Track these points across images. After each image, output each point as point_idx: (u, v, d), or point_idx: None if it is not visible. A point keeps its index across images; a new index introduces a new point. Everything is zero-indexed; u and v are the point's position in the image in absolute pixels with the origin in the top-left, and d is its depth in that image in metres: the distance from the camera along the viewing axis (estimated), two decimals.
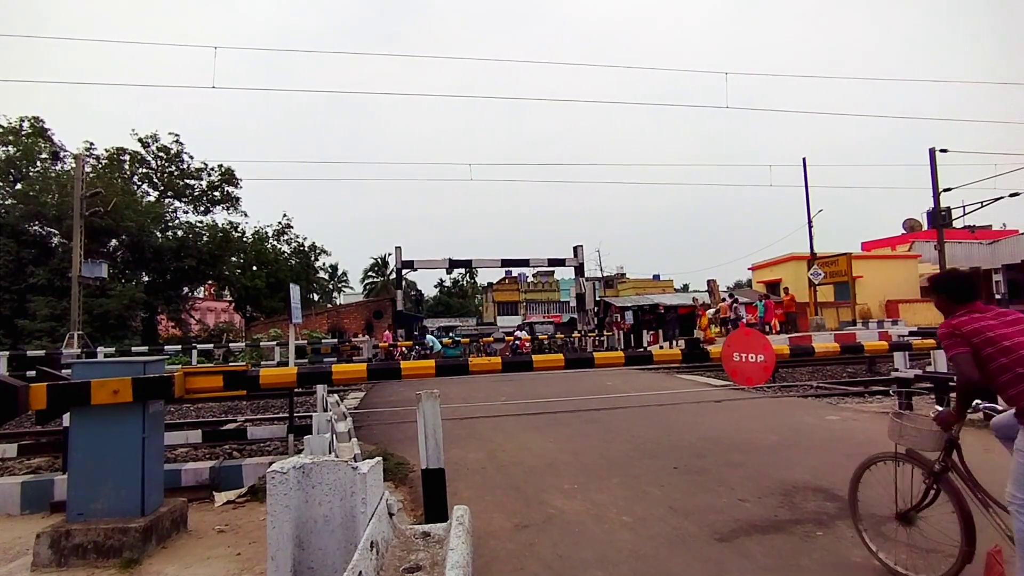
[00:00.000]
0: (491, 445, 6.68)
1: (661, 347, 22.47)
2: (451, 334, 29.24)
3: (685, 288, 53.76)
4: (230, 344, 19.87)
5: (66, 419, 4.69)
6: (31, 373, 9.68)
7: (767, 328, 20.30)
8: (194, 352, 16.77)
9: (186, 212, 29.76)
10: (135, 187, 27.99)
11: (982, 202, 22.45)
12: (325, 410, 5.93)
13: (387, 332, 26.13)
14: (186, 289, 29.51)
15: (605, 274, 51.95)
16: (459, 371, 4.68)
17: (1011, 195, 21.05)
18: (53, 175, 24.60)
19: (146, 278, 27.07)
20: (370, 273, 63.21)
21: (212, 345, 19.61)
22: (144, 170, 28.73)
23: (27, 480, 5.04)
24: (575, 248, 27.94)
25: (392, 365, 8.23)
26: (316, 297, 52.32)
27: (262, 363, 15.99)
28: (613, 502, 4.51)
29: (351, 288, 63.87)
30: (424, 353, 20.89)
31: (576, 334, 27.79)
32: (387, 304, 32.17)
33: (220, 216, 30.22)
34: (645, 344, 26.81)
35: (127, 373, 3.85)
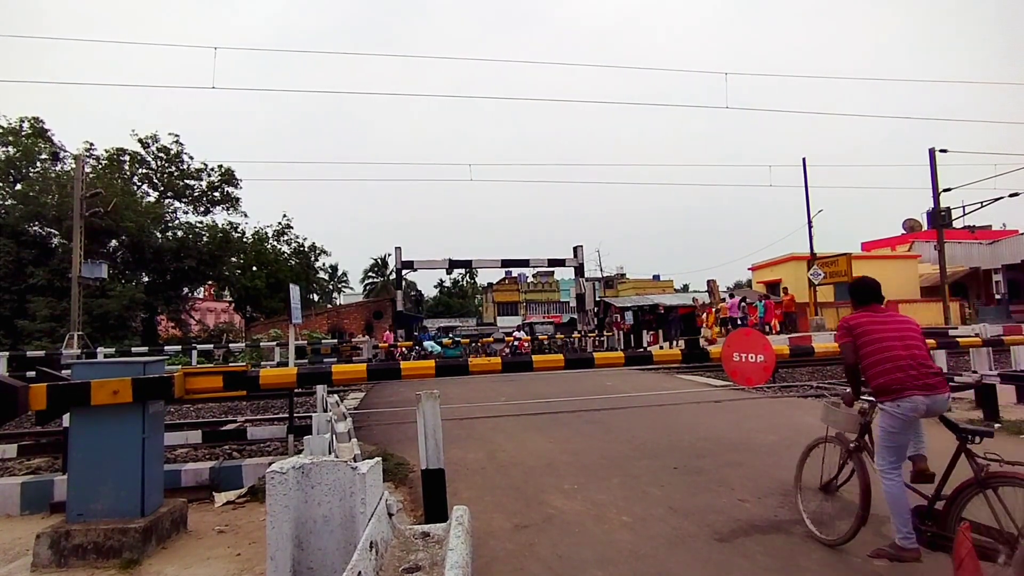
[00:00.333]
0: (491, 445, 6.68)
1: (661, 347, 22.47)
2: (451, 334, 29.25)
3: (685, 288, 53.76)
4: (230, 344, 19.85)
5: (66, 419, 4.69)
6: (31, 373, 9.68)
7: (767, 328, 20.30)
8: (194, 352, 16.77)
9: (186, 212, 29.76)
10: (135, 187, 27.97)
11: (982, 202, 22.48)
12: (325, 410, 5.93)
13: (387, 332, 26.10)
14: (186, 289, 29.49)
15: (605, 274, 51.95)
16: (459, 371, 4.68)
17: (1011, 195, 21.06)
18: (53, 176, 24.58)
19: (146, 278, 27.06)
20: (370, 273, 63.28)
21: (212, 345, 19.60)
22: (144, 170, 28.71)
23: (27, 480, 5.04)
24: (575, 248, 27.95)
25: (392, 365, 8.23)
26: (316, 297, 52.33)
27: (262, 363, 15.99)
28: (613, 502, 4.51)
29: (351, 288, 63.93)
30: (423, 355, 20.89)
31: (576, 334, 27.81)
32: (387, 304, 32.18)
33: (220, 216, 30.22)
34: (645, 344, 26.81)
35: (127, 373, 3.85)
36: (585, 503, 4.54)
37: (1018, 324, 17.03)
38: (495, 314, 58.80)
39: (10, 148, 24.81)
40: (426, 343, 21.74)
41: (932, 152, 22.19)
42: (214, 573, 3.60)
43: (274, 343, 18.44)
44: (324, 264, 43.93)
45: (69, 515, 3.84)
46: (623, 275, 59.45)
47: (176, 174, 29.11)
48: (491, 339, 28.31)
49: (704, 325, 22.60)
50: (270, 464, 2.30)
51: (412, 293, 56.40)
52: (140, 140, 27.95)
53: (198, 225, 28.70)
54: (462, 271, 56.92)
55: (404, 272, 28.53)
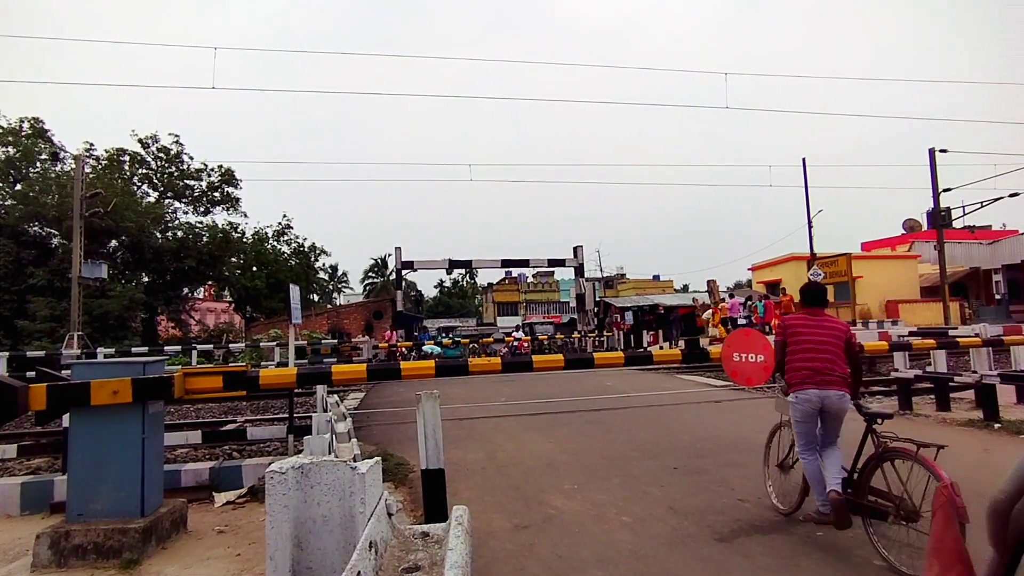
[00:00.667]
0: (491, 445, 6.68)
1: (661, 347, 22.47)
2: (451, 335, 29.24)
3: (685, 288, 53.73)
4: (230, 345, 19.84)
5: (66, 420, 4.68)
6: (31, 374, 9.68)
7: (767, 328, 20.30)
8: (194, 353, 16.76)
9: (186, 213, 29.75)
10: (135, 188, 27.96)
11: (982, 202, 22.48)
12: (325, 410, 5.93)
13: (389, 332, 25.97)
14: (186, 290, 29.49)
15: (605, 274, 51.92)
16: (459, 372, 4.68)
17: (1011, 195, 21.06)
18: (53, 176, 24.57)
19: (146, 279, 27.05)
20: (370, 274, 63.26)
21: (212, 346, 19.59)
22: (144, 171, 28.70)
23: (27, 481, 5.04)
24: (575, 248, 27.94)
25: (392, 366, 8.24)
26: (316, 298, 52.30)
27: (262, 364, 15.99)
28: (613, 502, 4.51)
29: (351, 289, 63.94)
30: (423, 356, 20.86)
31: (576, 334, 27.82)
32: (387, 304, 32.16)
33: (220, 217, 30.20)
34: (645, 344, 26.81)
35: (127, 374, 3.85)
36: (585, 503, 4.54)
37: (1018, 324, 17.03)
38: (495, 314, 58.78)
39: (10, 148, 24.81)
40: (424, 347, 21.57)
41: (932, 152, 22.20)
42: (214, 573, 3.60)
43: (274, 343, 18.43)
44: (324, 264, 43.90)
45: (69, 515, 3.84)
46: (623, 275, 59.44)
47: (176, 174, 29.11)
48: (491, 339, 28.31)
49: (711, 324, 22.57)
50: (270, 464, 2.30)
51: (412, 293, 56.41)
52: (140, 140, 27.97)
53: (198, 225, 28.72)
54: (462, 271, 56.89)
55: (404, 272, 28.51)
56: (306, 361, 14.49)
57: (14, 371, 12.48)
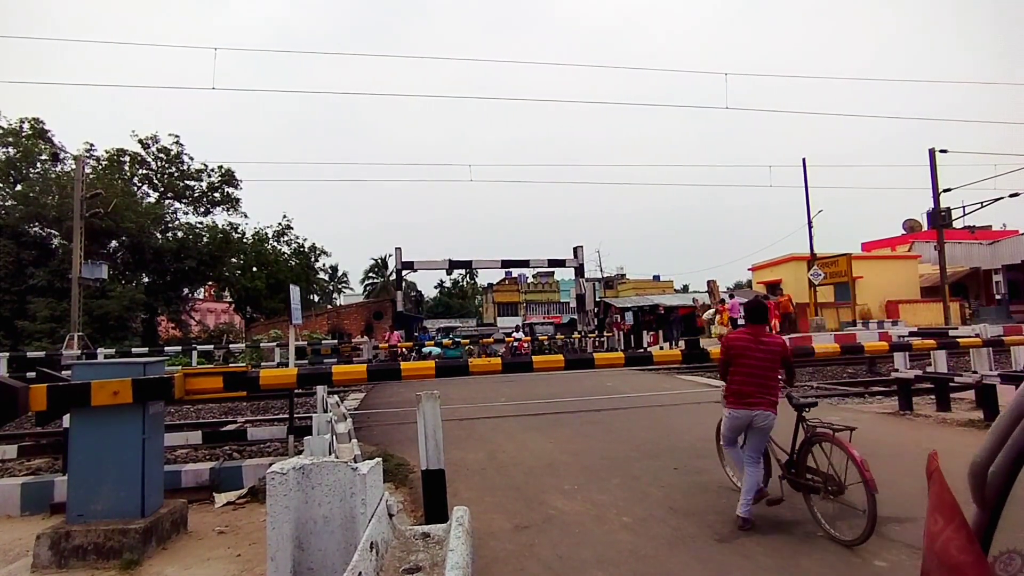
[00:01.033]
0: (491, 446, 6.68)
1: (661, 348, 22.46)
2: (451, 335, 29.21)
3: (685, 289, 53.71)
4: (230, 345, 19.85)
5: (66, 420, 4.69)
6: (31, 374, 9.69)
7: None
8: (194, 353, 16.77)
9: (186, 213, 29.76)
10: (135, 188, 27.97)
11: (982, 202, 22.48)
12: (325, 411, 5.93)
13: (391, 333, 25.77)
14: (186, 290, 29.48)
15: (605, 275, 51.84)
16: (459, 372, 4.68)
17: (1011, 195, 21.06)
18: (53, 176, 24.57)
19: (146, 279, 27.05)
20: (370, 274, 63.24)
21: (212, 346, 19.59)
22: (144, 171, 28.70)
23: (27, 481, 5.04)
24: (575, 249, 27.92)
25: (392, 366, 8.23)
26: (316, 298, 52.29)
27: (262, 364, 16.00)
28: (613, 503, 4.51)
29: (351, 289, 63.90)
30: (423, 356, 20.83)
31: (576, 335, 27.79)
32: (387, 305, 32.14)
33: (220, 217, 30.20)
34: (645, 345, 26.80)
35: (127, 374, 3.85)
36: (585, 503, 4.54)
37: (1018, 324, 17.03)
38: (495, 315, 58.77)
39: (10, 149, 24.81)
40: (425, 347, 21.54)
41: (932, 152, 22.20)
42: (214, 574, 3.60)
43: (274, 344, 18.44)
44: (324, 265, 43.80)
45: (69, 516, 3.84)
46: (623, 275, 59.43)
47: (176, 175, 29.12)
48: (491, 340, 28.29)
49: (718, 323, 22.53)
50: (270, 465, 2.30)
51: (412, 294, 56.38)
52: (140, 141, 27.98)
53: (198, 226, 28.73)
54: (462, 272, 56.81)
55: (404, 273, 28.48)
56: (306, 362, 14.50)
57: (14, 372, 12.49)
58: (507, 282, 61.34)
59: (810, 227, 24.33)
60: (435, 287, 70.24)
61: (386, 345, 20.64)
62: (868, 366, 13.71)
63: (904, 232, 36.07)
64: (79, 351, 16.11)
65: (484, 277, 67.30)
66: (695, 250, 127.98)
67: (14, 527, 4.52)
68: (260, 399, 11.58)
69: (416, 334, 27.17)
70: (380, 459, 2.53)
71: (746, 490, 3.92)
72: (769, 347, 4.07)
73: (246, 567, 3.65)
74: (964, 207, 23.46)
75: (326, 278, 52.61)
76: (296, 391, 7.25)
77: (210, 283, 32.67)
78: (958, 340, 7.25)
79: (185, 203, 29.67)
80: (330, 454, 3.75)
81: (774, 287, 27.38)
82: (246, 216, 31.25)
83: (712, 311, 23.38)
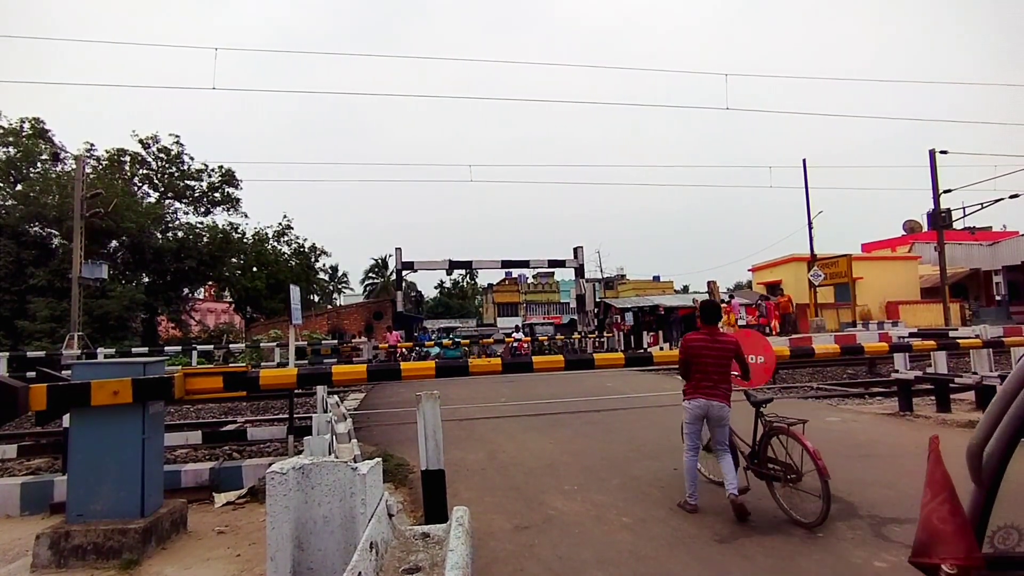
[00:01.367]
0: (491, 446, 6.67)
1: (661, 348, 22.46)
2: (451, 335, 29.21)
3: (685, 289, 53.69)
4: (230, 345, 19.85)
5: (66, 420, 4.69)
6: (31, 374, 9.68)
7: (767, 329, 20.29)
8: (194, 353, 16.77)
9: (186, 213, 29.73)
10: (135, 188, 27.97)
11: (982, 203, 22.46)
12: (325, 411, 5.93)
13: (392, 333, 25.69)
14: (186, 290, 29.47)
15: (605, 275, 51.89)
16: (459, 372, 4.68)
17: (1011, 196, 21.06)
18: (53, 176, 24.56)
19: (146, 279, 27.04)
20: (370, 274, 63.21)
21: (212, 346, 19.59)
22: (144, 171, 28.69)
23: (27, 481, 5.04)
24: (575, 249, 27.93)
25: (392, 366, 8.23)
26: (316, 298, 52.22)
27: (262, 364, 16.00)
28: (613, 503, 4.51)
29: (351, 289, 63.84)
30: (423, 354, 20.84)
31: (576, 335, 27.78)
32: (387, 305, 32.13)
33: (220, 217, 30.16)
34: (645, 345, 26.78)
35: (127, 374, 3.85)
36: (585, 504, 4.54)
37: (1018, 325, 17.03)
38: (495, 315, 58.76)
39: (11, 149, 24.80)
40: (425, 347, 21.51)
41: (932, 153, 22.20)
42: (214, 574, 3.60)
43: (274, 344, 18.44)
44: (324, 265, 43.73)
45: (69, 516, 3.83)
46: (623, 276, 59.44)
47: (176, 175, 29.11)
48: (491, 340, 28.28)
49: (725, 324, 22.51)
50: (270, 465, 2.30)
51: (412, 294, 56.31)
52: (140, 141, 27.96)
53: (198, 226, 28.71)
54: (462, 272, 56.72)
55: (404, 273, 28.50)
56: (306, 362, 14.50)
57: (14, 371, 12.49)
58: (507, 282, 61.34)
59: (810, 228, 24.33)
60: (435, 287, 70.26)
61: (386, 345, 20.63)
62: (868, 367, 13.71)
63: (904, 233, 36.00)
64: (79, 351, 16.11)
65: (484, 277, 67.36)
66: (695, 251, 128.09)
67: (14, 527, 4.52)
68: (260, 399, 11.59)
69: (416, 334, 27.19)
70: (380, 459, 2.53)
71: (728, 471, 4.19)
72: (724, 345, 4.37)
73: (246, 567, 3.65)
74: (964, 208, 23.48)
75: (326, 278, 52.57)
76: (296, 391, 7.24)
77: (210, 283, 32.65)
78: (958, 341, 7.25)
79: (185, 203, 29.66)
80: (330, 454, 3.75)
81: (774, 288, 27.41)
82: (246, 216, 31.27)
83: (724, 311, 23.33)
